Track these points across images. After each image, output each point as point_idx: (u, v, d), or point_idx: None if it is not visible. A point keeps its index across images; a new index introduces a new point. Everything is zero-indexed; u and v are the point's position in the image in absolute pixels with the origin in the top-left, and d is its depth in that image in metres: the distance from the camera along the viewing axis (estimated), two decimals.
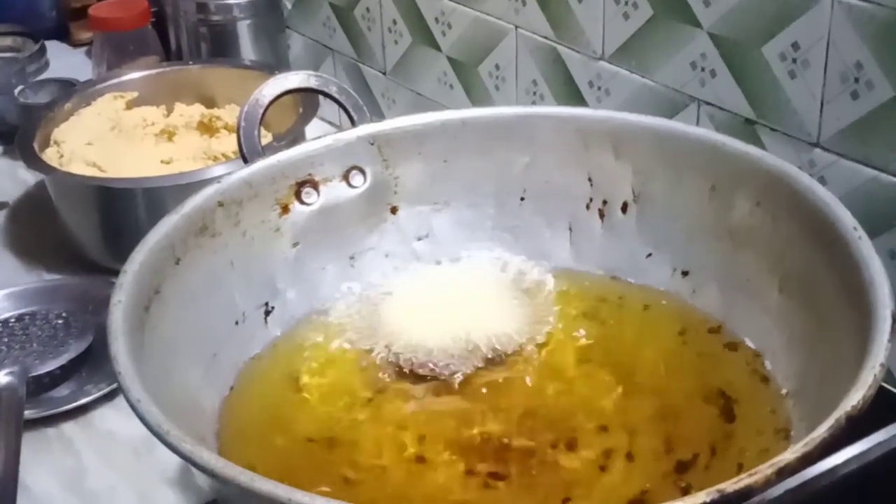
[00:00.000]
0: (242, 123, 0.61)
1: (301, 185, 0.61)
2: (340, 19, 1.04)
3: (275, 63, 1.09)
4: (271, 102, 0.62)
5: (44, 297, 0.85)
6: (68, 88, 1.06)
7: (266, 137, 1.01)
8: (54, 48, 1.27)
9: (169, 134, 1.00)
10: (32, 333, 0.80)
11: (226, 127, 1.00)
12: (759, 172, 0.58)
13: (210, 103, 1.03)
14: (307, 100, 0.94)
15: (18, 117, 1.03)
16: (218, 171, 0.89)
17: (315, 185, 0.62)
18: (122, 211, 0.88)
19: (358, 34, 1.03)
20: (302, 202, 0.62)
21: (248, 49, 1.09)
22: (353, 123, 0.63)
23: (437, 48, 0.94)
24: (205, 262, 0.57)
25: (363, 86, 1.04)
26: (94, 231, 0.90)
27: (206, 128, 1.00)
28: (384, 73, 1.01)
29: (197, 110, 1.01)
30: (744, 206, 0.59)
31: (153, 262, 0.53)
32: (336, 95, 0.63)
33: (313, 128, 0.93)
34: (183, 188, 0.88)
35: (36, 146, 0.91)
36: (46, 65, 1.23)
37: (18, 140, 0.93)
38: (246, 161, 0.61)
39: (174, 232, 0.55)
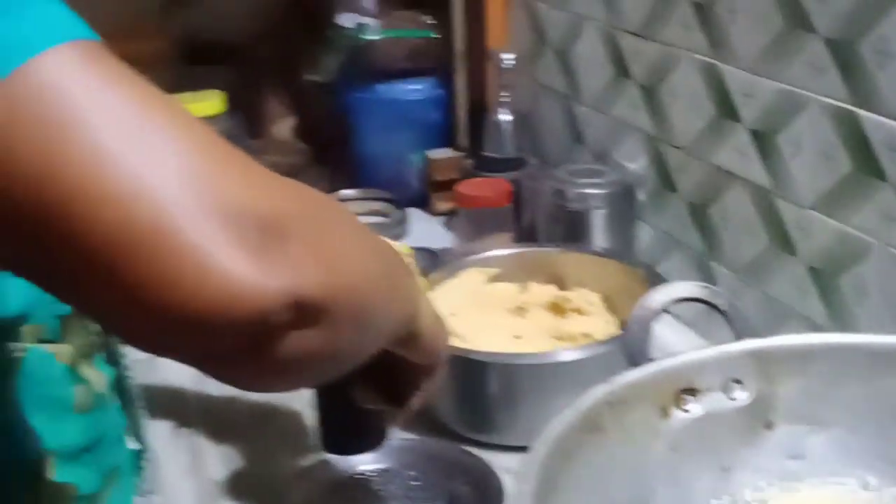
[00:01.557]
0: (631, 327, 0.65)
1: (683, 392, 0.64)
2: (695, 215, 1.07)
3: (623, 251, 1.13)
4: (661, 309, 0.65)
5: (400, 454, 0.91)
6: (433, 258, 1.16)
7: (611, 323, 1.05)
8: (414, 215, 1.39)
9: (521, 311, 1.06)
10: (389, 491, 0.86)
11: (575, 309, 1.04)
12: None
13: (561, 285, 1.08)
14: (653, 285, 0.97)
15: None
16: (568, 355, 0.93)
17: (696, 394, 0.64)
18: (477, 382, 0.94)
19: (711, 231, 1.05)
20: (682, 409, 0.64)
21: (599, 236, 1.15)
22: (737, 336, 0.65)
23: (793, 252, 0.95)
24: (590, 459, 0.60)
25: (710, 283, 1.06)
26: (449, 397, 0.96)
27: (557, 308, 1.06)
28: (734, 272, 1.03)
29: (549, 291, 1.07)
30: None
31: (549, 455, 0.57)
32: (723, 308, 0.65)
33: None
34: (535, 368, 0.93)
35: None
36: (407, 231, 1.35)
37: None
38: (633, 364, 0.64)
39: (568, 428, 0.59)
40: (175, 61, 1.54)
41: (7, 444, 0.64)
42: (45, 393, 0.69)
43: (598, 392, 0.61)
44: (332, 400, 0.73)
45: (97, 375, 0.75)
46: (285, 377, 0.47)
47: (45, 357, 0.70)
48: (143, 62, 1.57)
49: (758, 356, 0.65)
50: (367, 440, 0.74)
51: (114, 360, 0.72)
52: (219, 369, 0.46)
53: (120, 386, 0.78)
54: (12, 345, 0.68)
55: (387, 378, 0.67)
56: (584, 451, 0.60)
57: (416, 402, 0.72)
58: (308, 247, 0.44)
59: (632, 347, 0.64)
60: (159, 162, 0.41)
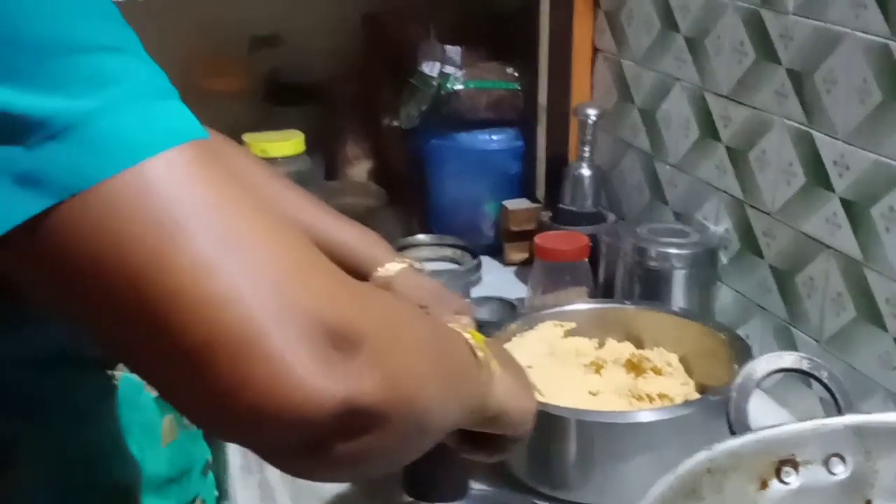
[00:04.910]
0: (733, 395, 0.64)
1: (782, 463, 0.63)
2: (779, 282, 1.06)
3: (704, 313, 1.12)
4: (763, 378, 0.64)
5: None
6: (509, 309, 1.15)
7: (687, 385, 1.04)
8: (487, 264, 1.39)
9: (597, 367, 1.06)
10: None
11: (653, 369, 1.04)
12: None
13: (638, 343, 1.07)
14: (739, 353, 0.96)
15: None
16: (646, 416, 0.93)
17: (795, 466, 0.63)
18: (553, 436, 0.93)
19: (795, 299, 1.04)
20: (781, 480, 0.63)
21: (678, 296, 1.14)
22: (840, 411, 0.64)
23: (884, 327, 0.94)
24: None
25: (791, 349, 1.04)
26: (522, 449, 0.95)
27: (634, 367, 1.05)
28: (817, 341, 1.01)
29: (626, 348, 1.06)
30: None
31: None
32: (826, 381, 0.65)
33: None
34: (612, 427, 0.93)
35: None
36: (479, 279, 1.35)
37: None
38: (733, 432, 0.63)
39: (668, 492, 0.58)
40: (259, 100, 1.56)
41: (105, 467, 0.65)
42: (135, 419, 0.70)
43: (699, 458, 0.61)
44: None
45: None
46: (343, 471, 0.51)
47: (136, 385, 0.71)
48: (228, 99, 1.60)
49: (860, 431, 0.63)
50: (451, 489, 0.74)
51: None
52: (281, 462, 0.49)
53: None
54: (110, 372, 0.69)
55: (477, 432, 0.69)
56: None
57: (503, 455, 0.73)
58: (373, 358, 0.47)
59: (733, 415, 0.64)
60: (251, 271, 0.44)
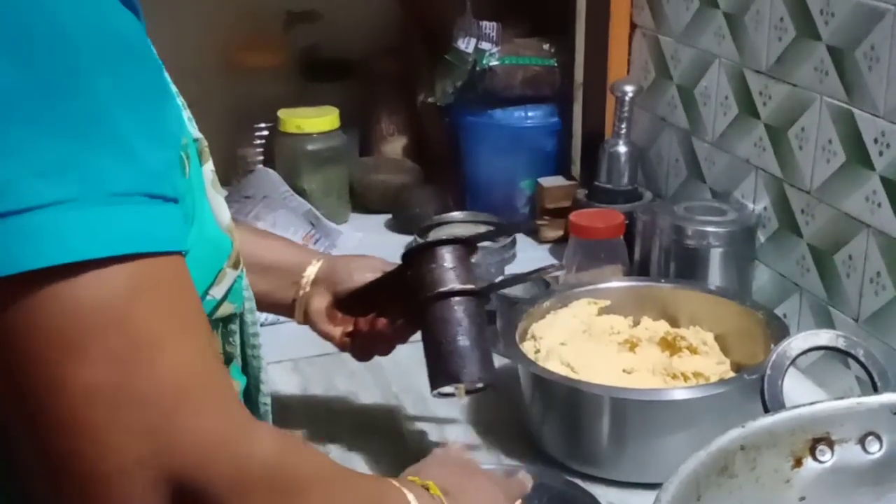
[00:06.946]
0: (768, 372, 0.63)
1: (817, 441, 0.62)
2: (818, 261, 1.05)
3: (741, 292, 1.11)
4: (799, 355, 0.64)
5: None
6: (543, 286, 1.15)
7: (723, 364, 1.03)
8: (522, 241, 1.38)
9: (632, 344, 1.05)
10: None
11: (688, 347, 1.03)
12: None
13: (674, 322, 1.07)
14: (777, 332, 0.95)
15: (495, 306, 1.13)
16: (680, 394, 0.92)
17: (831, 444, 0.63)
18: (587, 413, 0.93)
19: (834, 278, 1.03)
20: (815, 459, 0.62)
21: (715, 274, 1.13)
22: (876, 390, 0.64)
23: None
24: (720, 502, 0.59)
25: (830, 328, 1.03)
26: (555, 426, 0.95)
27: (669, 345, 1.04)
28: (856, 321, 1.00)
29: (661, 326, 1.06)
30: None
31: (681, 495, 0.56)
32: (862, 359, 0.64)
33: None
34: (646, 404, 0.92)
35: (517, 336, 0.99)
36: (514, 256, 1.34)
37: (502, 329, 1.02)
38: (767, 409, 0.63)
39: (700, 468, 0.58)
40: (295, 76, 1.56)
41: None
42: None
43: (732, 435, 0.60)
44: None
45: (233, 383, 0.76)
46: None
47: None
48: (265, 74, 1.59)
49: None
50: None
51: (247, 370, 0.72)
52: None
53: (250, 396, 0.79)
54: None
55: None
56: (714, 492, 0.59)
57: None
58: None
59: (768, 392, 0.63)
60: (131, 411, 0.45)
